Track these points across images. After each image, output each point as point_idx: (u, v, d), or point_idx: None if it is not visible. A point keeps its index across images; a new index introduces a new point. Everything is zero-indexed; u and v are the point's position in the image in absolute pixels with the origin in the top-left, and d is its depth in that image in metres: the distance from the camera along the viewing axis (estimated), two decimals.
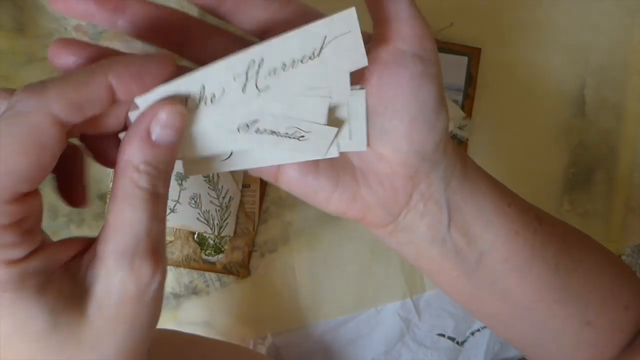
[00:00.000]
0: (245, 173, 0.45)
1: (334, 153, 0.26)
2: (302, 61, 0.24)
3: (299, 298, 0.48)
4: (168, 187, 0.23)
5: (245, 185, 0.45)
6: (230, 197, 0.45)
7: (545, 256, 0.31)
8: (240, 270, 0.46)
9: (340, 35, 0.24)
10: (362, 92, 0.26)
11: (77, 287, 0.22)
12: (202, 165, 0.26)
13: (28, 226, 0.21)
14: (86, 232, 0.43)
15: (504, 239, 0.30)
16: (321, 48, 0.24)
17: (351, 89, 0.26)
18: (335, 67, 0.25)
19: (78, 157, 0.26)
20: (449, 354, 0.52)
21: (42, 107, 0.21)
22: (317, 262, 0.47)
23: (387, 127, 0.27)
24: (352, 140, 0.27)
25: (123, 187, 0.22)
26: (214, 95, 0.24)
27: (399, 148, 0.27)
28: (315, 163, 0.27)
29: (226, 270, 0.46)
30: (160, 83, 0.23)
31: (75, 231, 0.43)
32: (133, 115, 0.23)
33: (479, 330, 0.52)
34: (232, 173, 0.45)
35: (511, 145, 0.49)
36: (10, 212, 0.20)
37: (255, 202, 0.45)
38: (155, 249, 0.22)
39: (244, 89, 0.24)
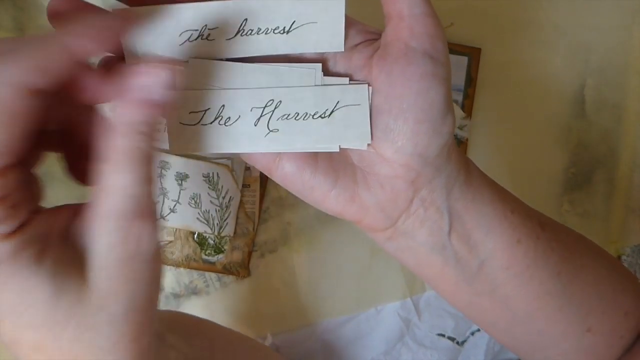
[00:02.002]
0: (245, 173, 0.45)
1: (333, 147, 0.26)
2: (313, 116, 0.26)
3: (298, 298, 0.48)
4: (157, 148, 0.23)
5: (245, 185, 0.45)
6: (230, 197, 0.45)
7: (547, 263, 0.31)
8: (240, 270, 0.46)
9: (350, 104, 0.26)
10: (366, 88, 0.26)
11: (76, 252, 0.22)
12: (190, 143, 0.26)
13: (14, 200, 0.21)
14: None
15: (506, 247, 0.30)
16: (332, 110, 0.26)
17: (356, 84, 0.26)
18: (340, 133, 0.26)
19: (84, 129, 0.26)
20: (449, 354, 0.52)
21: (3, 78, 0.20)
22: (317, 262, 0.47)
23: (391, 126, 0.26)
24: (354, 136, 0.26)
25: (121, 149, 0.22)
26: (229, 118, 0.25)
27: (402, 150, 0.26)
28: (314, 159, 0.27)
29: (226, 270, 0.46)
30: (119, 40, 0.23)
31: None
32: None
33: (479, 330, 0.52)
34: (232, 173, 0.45)
35: (511, 145, 0.49)
36: None
37: (255, 202, 0.45)
38: (150, 209, 0.22)
39: (256, 122, 0.25)
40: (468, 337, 0.52)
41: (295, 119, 0.26)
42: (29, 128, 0.21)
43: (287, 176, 0.27)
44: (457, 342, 0.52)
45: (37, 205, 0.23)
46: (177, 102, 0.24)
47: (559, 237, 0.32)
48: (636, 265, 0.53)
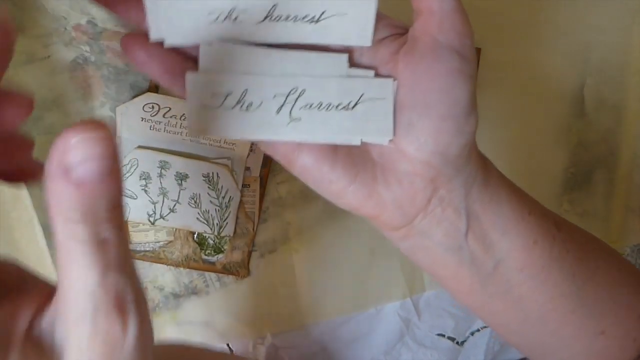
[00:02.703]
0: (245, 173, 0.45)
1: (355, 141, 0.26)
2: (337, 107, 0.25)
3: (298, 298, 0.47)
4: (118, 226, 0.18)
5: (245, 185, 0.45)
6: (230, 197, 0.45)
7: (562, 265, 0.30)
8: (240, 270, 0.46)
9: (375, 98, 0.25)
10: (391, 82, 0.25)
11: (43, 348, 0.19)
12: (210, 126, 0.25)
13: None
14: None
15: (522, 248, 0.29)
16: (356, 103, 0.25)
17: (381, 79, 0.25)
18: (362, 127, 0.25)
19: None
20: (449, 354, 0.52)
21: None
22: (317, 262, 0.47)
23: (414, 122, 0.26)
24: (376, 131, 0.26)
25: (60, 240, 0.18)
26: (251, 104, 0.25)
27: (423, 147, 0.26)
28: (334, 152, 0.26)
29: (226, 270, 0.46)
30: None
31: None
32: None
33: (478, 330, 0.52)
34: (232, 173, 0.45)
35: (511, 144, 0.49)
36: None
37: (255, 202, 0.45)
38: (118, 302, 0.18)
39: (278, 110, 0.25)
40: (468, 337, 0.52)
41: (318, 109, 0.25)
42: None
43: (306, 168, 0.26)
44: (457, 342, 0.52)
45: None
46: (200, 83, 0.24)
47: (574, 238, 0.31)
48: (636, 265, 0.53)
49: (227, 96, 0.24)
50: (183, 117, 0.43)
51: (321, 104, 0.25)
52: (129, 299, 0.18)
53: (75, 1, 0.40)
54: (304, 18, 0.25)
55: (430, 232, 0.28)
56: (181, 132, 0.43)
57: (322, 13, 0.25)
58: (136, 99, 0.42)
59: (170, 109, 0.42)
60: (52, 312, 0.19)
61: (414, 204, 0.27)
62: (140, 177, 0.43)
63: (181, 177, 0.44)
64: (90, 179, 0.17)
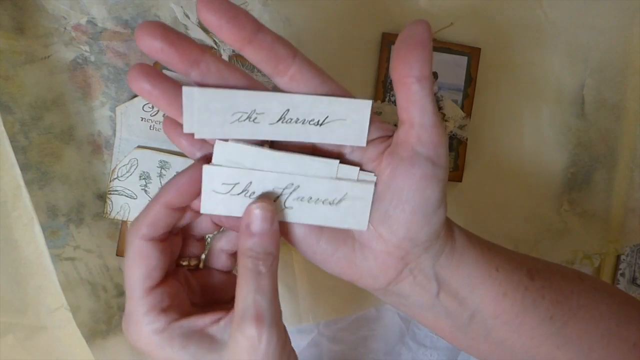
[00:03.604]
0: None
1: (362, 226, 0.31)
2: (323, 202, 0.31)
3: (298, 298, 0.47)
4: (271, 265, 0.30)
5: None
6: None
7: (538, 310, 0.34)
8: None
9: (357, 197, 0.31)
10: (372, 187, 0.30)
11: (216, 342, 0.30)
12: (218, 206, 0.31)
13: (163, 306, 0.30)
14: (85, 231, 0.43)
15: (492, 300, 0.33)
16: (340, 200, 0.31)
17: (364, 181, 0.30)
18: (342, 218, 0.31)
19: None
20: (449, 354, 0.52)
21: (134, 235, 0.30)
22: None
23: (390, 213, 0.30)
24: (354, 222, 0.31)
25: (239, 268, 0.29)
26: (254, 193, 0.30)
27: (396, 233, 0.30)
28: (320, 229, 0.31)
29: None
30: (198, 191, 0.30)
31: (74, 231, 0.43)
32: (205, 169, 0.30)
33: None
34: None
35: (511, 145, 0.49)
36: (144, 303, 0.30)
37: None
38: (259, 315, 0.28)
39: (275, 199, 0.30)
40: None
41: (308, 201, 0.31)
42: (154, 263, 0.30)
43: (296, 239, 0.32)
44: None
45: (188, 309, 0.32)
46: (213, 174, 0.30)
47: (552, 283, 0.35)
48: (636, 265, 0.53)
49: (235, 186, 0.30)
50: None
51: (311, 198, 0.31)
52: (267, 315, 0.29)
53: (75, 1, 0.40)
54: (310, 121, 0.30)
55: (405, 294, 0.33)
56: None
57: (326, 118, 0.30)
58: (136, 99, 0.42)
59: None
60: (227, 320, 0.30)
61: (387, 275, 0.32)
62: (140, 177, 0.43)
63: None
64: (260, 231, 0.29)
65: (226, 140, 0.29)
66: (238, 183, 0.30)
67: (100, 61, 0.42)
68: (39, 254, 0.41)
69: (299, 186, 0.30)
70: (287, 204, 0.31)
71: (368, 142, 0.31)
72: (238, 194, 0.30)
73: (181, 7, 0.42)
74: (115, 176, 0.43)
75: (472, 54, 0.47)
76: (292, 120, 0.30)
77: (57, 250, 0.42)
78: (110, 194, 0.43)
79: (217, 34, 0.27)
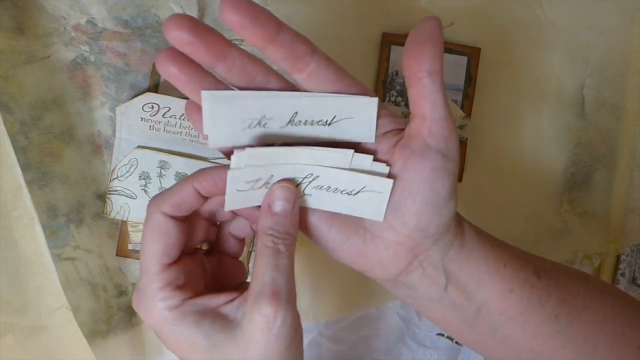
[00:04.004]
0: None
1: (379, 217, 0.31)
2: (341, 192, 0.31)
3: (298, 298, 0.47)
4: (290, 245, 0.30)
5: None
6: None
7: (544, 308, 0.34)
8: None
9: (375, 191, 0.31)
10: (391, 182, 0.31)
11: (229, 321, 0.30)
12: (241, 200, 0.31)
13: (178, 283, 0.31)
14: (85, 231, 0.43)
15: (498, 296, 0.34)
16: (358, 191, 0.31)
17: (383, 179, 0.31)
18: (359, 208, 0.31)
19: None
20: (449, 354, 0.52)
21: (156, 210, 0.31)
22: (317, 262, 0.47)
23: (401, 204, 0.31)
24: (370, 213, 0.31)
25: (258, 246, 0.30)
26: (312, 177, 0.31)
27: (407, 223, 0.31)
28: (332, 217, 0.32)
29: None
30: (223, 182, 0.30)
31: (74, 231, 0.43)
32: (232, 162, 0.30)
33: None
34: None
35: (510, 145, 0.49)
36: (159, 279, 0.30)
37: None
38: (275, 293, 0.29)
39: (301, 189, 0.31)
40: None
41: (326, 190, 0.31)
42: (173, 240, 0.31)
43: (309, 227, 0.32)
44: (457, 342, 0.52)
45: (202, 289, 0.32)
46: (237, 177, 0.30)
47: (558, 282, 0.35)
48: (636, 265, 0.53)
49: (257, 181, 0.30)
50: (182, 117, 0.43)
51: (329, 187, 0.31)
52: (283, 293, 0.29)
53: (75, 1, 0.40)
54: (319, 122, 0.30)
55: (414, 285, 0.33)
56: (181, 132, 0.43)
57: (334, 117, 0.30)
58: (136, 99, 0.42)
59: (169, 108, 0.42)
60: (241, 299, 0.31)
61: (397, 265, 0.32)
62: (140, 177, 0.43)
63: (181, 177, 0.44)
64: (282, 211, 0.30)
65: (243, 148, 0.29)
66: (260, 178, 0.30)
67: (100, 61, 0.42)
68: (40, 254, 0.41)
69: (318, 176, 0.31)
70: (306, 192, 0.31)
71: (381, 135, 0.31)
72: (260, 187, 0.31)
73: (181, 7, 0.42)
74: (115, 176, 0.43)
75: (472, 54, 0.47)
76: (301, 123, 0.30)
77: (57, 250, 0.42)
78: (110, 194, 0.43)
79: (239, 33, 0.27)
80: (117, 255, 0.44)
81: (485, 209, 0.49)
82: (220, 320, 0.30)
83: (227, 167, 0.30)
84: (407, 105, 0.47)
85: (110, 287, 0.44)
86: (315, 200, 0.32)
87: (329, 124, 0.30)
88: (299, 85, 0.30)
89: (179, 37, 0.27)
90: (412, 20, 0.46)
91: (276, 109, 0.29)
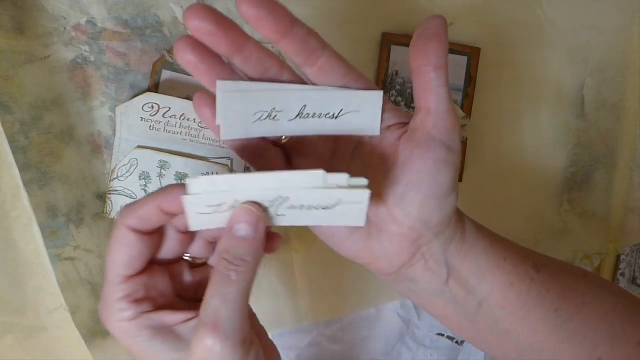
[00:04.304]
0: (245, 172, 0.45)
1: (360, 223, 0.30)
2: (316, 208, 0.30)
3: (298, 298, 0.47)
4: (245, 274, 0.28)
5: None
6: None
7: (543, 302, 0.34)
8: None
9: (352, 203, 0.29)
10: (368, 194, 0.29)
11: (182, 340, 0.30)
12: (203, 224, 0.30)
13: (137, 296, 0.30)
14: (85, 231, 0.43)
15: (500, 290, 0.34)
16: (334, 205, 0.30)
17: (358, 191, 0.29)
18: (338, 219, 0.30)
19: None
20: (449, 354, 0.52)
21: (121, 221, 0.30)
22: (317, 262, 0.47)
23: (405, 195, 0.31)
24: (351, 222, 0.30)
25: (214, 270, 0.28)
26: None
27: (410, 215, 0.31)
28: None
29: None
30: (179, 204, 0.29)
31: (74, 231, 0.43)
32: (185, 199, 0.28)
33: None
34: (232, 173, 0.45)
35: (510, 145, 0.49)
36: (119, 289, 0.30)
37: None
38: (215, 325, 0.27)
39: (265, 210, 0.30)
40: None
41: (300, 209, 0.29)
42: (135, 254, 0.30)
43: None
44: (457, 342, 0.52)
45: (167, 302, 0.32)
46: (195, 202, 0.29)
47: (557, 278, 0.35)
48: (636, 265, 0.53)
49: (220, 205, 0.29)
50: (182, 117, 0.43)
51: (303, 206, 0.29)
52: (226, 326, 0.27)
53: (75, 1, 0.40)
54: (326, 115, 0.31)
55: (416, 279, 0.34)
56: (181, 132, 0.43)
57: (341, 111, 0.31)
58: (136, 99, 0.42)
59: (170, 108, 0.42)
60: (197, 320, 0.30)
61: (400, 257, 0.33)
62: (140, 177, 0.43)
63: (181, 177, 0.44)
64: (242, 235, 0.28)
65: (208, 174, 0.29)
66: (224, 203, 0.29)
67: (100, 61, 0.42)
68: (38, 254, 0.41)
69: (288, 197, 0.29)
70: (279, 212, 0.30)
71: (386, 128, 0.32)
72: (226, 210, 0.29)
73: (181, 7, 0.42)
74: (115, 176, 0.43)
75: (472, 54, 0.47)
76: (310, 116, 0.31)
77: (57, 250, 0.42)
78: (110, 194, 0.43)
79: (255, 26, 0.28)
80: None
81: (485, 209, 0.49)
82: (172, 339, 0.30)
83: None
84: (407, 105, 0.47)
85: None
86: (290, 219, 0.30)
87: (336, 117, 0.31)
88: (309, 79, 0.31)
89: (201, 27, 0.27)
90: (412, 20, 0.46)
91: (286, 101, 0.30)
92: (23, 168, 0.40)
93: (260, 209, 0.29)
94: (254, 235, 0.29)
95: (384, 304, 0.49)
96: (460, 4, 0.47)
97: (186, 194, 0.28)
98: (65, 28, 0.41)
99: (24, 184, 0.40)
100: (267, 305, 0.47)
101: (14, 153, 0.39)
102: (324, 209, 0.30)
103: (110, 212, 0.43)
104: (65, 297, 0.41)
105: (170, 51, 0.42)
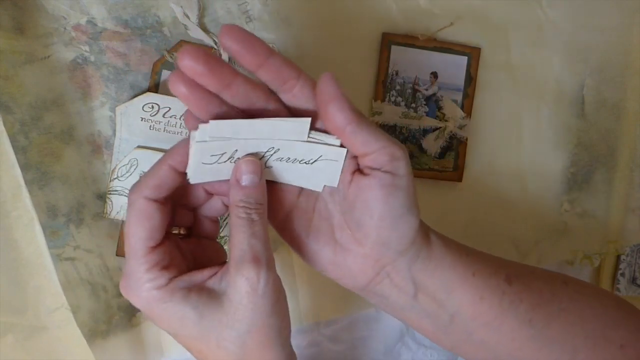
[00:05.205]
0: None
1: (316, 187, 0.35)
2: (300, 162, 0.34)
3: (298, 298, 0.48)
4: (262, 214, 0.33)
5: None
6: None
7: (516, 313, 0.35)
8: None
9: (330, 160, 0.34)
10: (345, 151, 0.34)
11: (214, 293, 0.32)
12: (205, 175, 0.33)
13: (164, 264, 0.33)
14: (85, 231, 0.43)
15: (469, 303, 0.35)
16: (315, 160, 0.34)
17: (337, 148, 0.34)
18: (317, 176, 0.34)
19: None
20: (449, 354, 0.52)
21: (138, 195, 0.32)
22: None
23: (361, 221, 0.33)
24: (327, 180, 0.35)
25: (231, 219, 0.32)
26: (239, 158, 0.33)
27: (368, 237, 0.33)
28: (309, 227, 0.35)
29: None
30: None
31: (74, 231, 0.43)
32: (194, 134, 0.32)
33: None
34: None
35: (510, 145, 0.49)
36: (146, 261, 0.32)
37: None
38: (255, 257, 0.31)
39: (265, 163, 0.34)
40: None
41: (286, 161, 0.34)
42: (157, 223, 0.32)
43: (291, 237, 0.36)
44: None
45: (185, 267, 0.34)
46: (203, 149, 0.32)
47: (531, 287, 0.37)
48: (636, 265, 0.53)
49: (222, 155, 0.33)
50: (183, 117, 0.43)
51: (289, 158, 0.34)
52: (263, 257, 0.32)
53: (75, 1, 0.40)
54: (287, 160, 0.34)
55: (384, 294, 0.35)
56: (181, 132, 0.43)
57: (304, 160, 0.34)
58: (136, 99, 0.42)
59: (170, 108, 0.42)
60: (223, 271, 0.33)
61: (365, 275, 0.35)
62: (140, 177, 0.43)
63: None
64: (250, 184, 0.33)
65: (207, 122, 0.32)
66: (225, 152, 0.32)
67: (100, 61, 0.42)
68: (39, 254, 0.41)
69: (279, 149, 0.33)
70: (268, 164, 0.34)
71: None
72: (225, 162, 0.33)
73: (181, 7, 0.42)
74: (115, 176, 0.43)
75: (472, 54, 0.47)
76: (277, 159, 0.34)
77: (57, 250, 0.42)
78: (110, 194, 0.43)
79: (235, 58, 0.31)
80: (117, 255, 0.44)
81: (485, 209, 0.49)
82: (206, 293, 0.32)
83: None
84: (407, 105, 0.47)
85: (110, 287, 0.44)
86: (277, 172, 0.34)
87: (301, 163, 0.34)
88: (285, 101, 0.34)
89: (191, 68, 0.30)
90: (412, 20, 0.46)
91: (253, 145, 0.33)
92: (23, 168, 0.40)
93: (258, 159, 0.33)
94: (259, 181, 0.33)
95: None
96: (460, 4, 0.47)
97: (196, 141, 0.31)
98: (65, 28, 0.41)
99: (24, 184, 0.40)
100: None
101: (14, 153, 0.39)
102: (306, 163, 0.34)
103: (110, 212, 0.43)
104: (66, 297, 0.41)
105: (170, 51, 0.42)
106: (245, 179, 0.33)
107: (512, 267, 0.38)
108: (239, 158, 0.33)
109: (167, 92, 0.42)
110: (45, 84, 0.41)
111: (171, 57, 0.42)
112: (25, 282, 0.41)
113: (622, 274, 0.53)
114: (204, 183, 0.34)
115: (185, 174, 0.33)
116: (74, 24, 0.41)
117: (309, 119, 0.33)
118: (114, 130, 0.43)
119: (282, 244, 0.47)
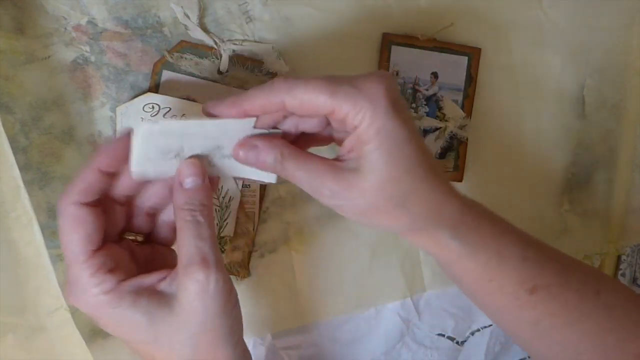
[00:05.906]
0: None
1: (267, 180, 0.36)
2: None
3: (298, 298, 0.48)
4: (208, 215, 0.33)
5: (245, 186, 0.45)
6: (230, 197, 0.45)
7: (524, 315, 0.36)
8: (240, 270, 0.46)
9: None
10: (279, 136, 0.34)
11: (165, 297, 0.32)
12: (150, 171, 0.34)
13: (109, 267, 0.32)
14: None
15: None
16: None
17: (273, 132, 0.35)
18: (257, 171, 0.35)
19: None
20: (449, 354, 0.52)
21: (66, 202, 0.32)
22: (317, 262, 0.47)
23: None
24: (266, 176, 0.35)
25: (178, 222, 0.33)
26: (184, 155, 0.34)
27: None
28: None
29: (226, 270, 0.46)
30: (122, 152, 0.33)
31: None
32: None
33: (478, 330, 0.52)
34: None
35: (511, 145, 0.49)
36: (88, 265, 0.32)
37: (255, 202, 0.45)
38: (204, 259, 0.31)
39: (209, 160, 0.35)
40: (468, 336, 0.52)
41: (229, 158, 0.35)
42: (92, 226, 0.32)
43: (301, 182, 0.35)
44: (457, 342, 0.52)
45: (136, 272, 0.34)
46: (149, 144, 0.32)
47: (557, 299, 0.36)
48: (636, 265, 0.53)
49: (167, 153, 0.33)
50: (183, 117, 0.43)
51: (232, 156, 0.34)
52: (211, 258, 0.32)
53: (76, 1, 0.40)
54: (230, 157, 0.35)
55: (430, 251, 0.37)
56: None
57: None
58: (136, 99, 0.42)
59: (170, 109, 0.42)
60: (172, 275, 0.33)
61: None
62: None
63: None
64: (193, 186, 0.33)
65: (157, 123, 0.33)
66: (171, 150, 0.33)
67: (100, 61, 0.42)
68: (38, 255, 0.41)
69: (223, 147, 0.34)
70: (212, 163, 0.34)
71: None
72: (171, 159, 0.33)
73: (181, 7, 0.42)
74: None
75: (472, 54, 0.47)
76: (220, 156, 0.35)
77: (57, 251, 0.42)
78: None
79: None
80: None
81: None
82: (156, 297, 0.32)
83: (127, 136, 0.32)
84: (408, 105, 0.47)
85: None
86: (222, 169, 0.35)
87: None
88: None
89: (193, 183, 0.34)
90: (412, 20, 0.46)
91: (197, 141, 0.34)
92: (23, 168, 0.40)
93: (201, 161, 0.34)
94: (202, 183, 0.33)
95: (384, 304, 0.49)
96: (460, 4, 0.47)
97: (144, 131, 0.32)
98: (65, 28, 0.41)
99: (24, 184, 0.40)
100: (267, 305, 0.47)
101: (14, 153, 0.39)
102: None
103: None
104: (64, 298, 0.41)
105: (170, 51, 0.42)
106: (188, 182, 0.33)
107: (546, 277, 0.36)
108: (183, 157, 0.33)
109: (168, 93, 0.42)
110: (45, 84, 0.41)
111: (171, 57, 0.42)
112: (24, 282, 0.41)
113: (623, 274, 0.53)
114: (147, 179, 0.34)
115: (113, 174, 0.33)
116: (74, 24, 0.41)
117: (254, 118, 0.34)
118: (115, 131, 0.43)
119: (283, 243, 0.47)
